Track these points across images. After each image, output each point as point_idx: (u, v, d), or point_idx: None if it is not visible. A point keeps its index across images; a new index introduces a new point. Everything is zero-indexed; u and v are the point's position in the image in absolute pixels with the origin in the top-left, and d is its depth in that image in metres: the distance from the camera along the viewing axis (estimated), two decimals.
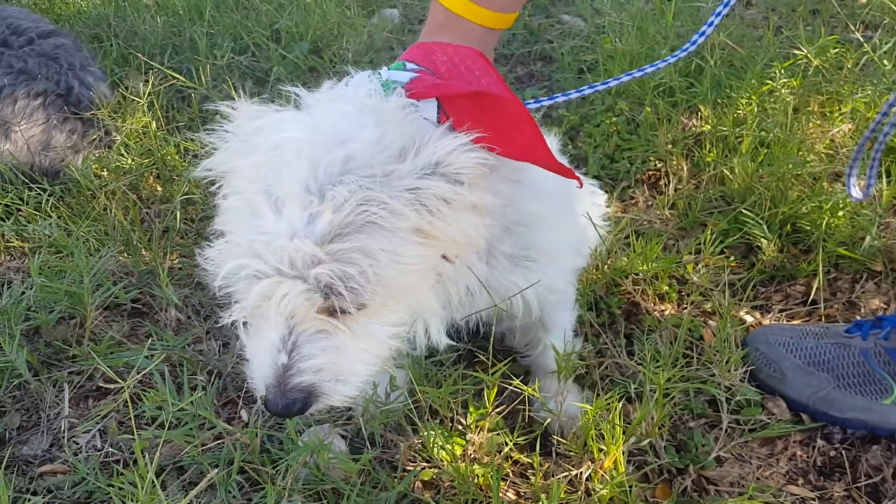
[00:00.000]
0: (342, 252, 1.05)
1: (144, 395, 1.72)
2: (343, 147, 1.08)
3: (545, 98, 1.60)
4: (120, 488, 1.54)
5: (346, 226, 1.05)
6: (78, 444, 1.79)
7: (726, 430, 1.70)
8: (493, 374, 1.54)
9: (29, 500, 1.58)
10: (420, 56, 1.33)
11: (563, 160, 2.36)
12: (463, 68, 1.30)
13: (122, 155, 2.57)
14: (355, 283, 1.06)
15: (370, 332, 1.16)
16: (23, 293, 2.08)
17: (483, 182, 1.15)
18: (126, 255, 2.24)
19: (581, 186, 1.51)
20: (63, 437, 1.80)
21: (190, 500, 1.36)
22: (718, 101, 2.63)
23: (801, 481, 1.63)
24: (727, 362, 1.77)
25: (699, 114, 2.64)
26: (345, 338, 1.14)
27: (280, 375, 1.12)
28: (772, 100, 2.54)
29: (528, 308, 1.50)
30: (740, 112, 2.53)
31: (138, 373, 1.73)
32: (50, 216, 2.35)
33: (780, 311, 2.03)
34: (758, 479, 1.62)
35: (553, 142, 1.92)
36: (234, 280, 1.11)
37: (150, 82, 2.61)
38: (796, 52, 2.63)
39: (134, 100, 2.67)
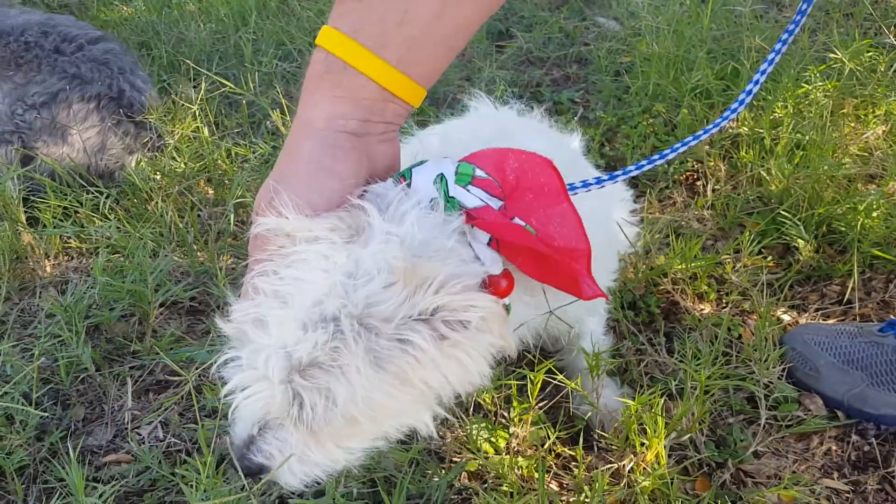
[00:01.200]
0: (312, 380, 1.07)
1: (205, 388, 1.81)
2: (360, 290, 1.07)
3: (606, 176, 1.39)
4: (183, 476, 1.64)
5: (317, 364, 1.07)
6: (140, 434, 1.88)
7: (764, 426, 1.75)
8: (537, 370, 1.61)
9: (97, 487, 1.67)
10: (493, 161, 1.20)
11: (599, 162, 2.41)
12: (530, 175, 1.19)
13: (174, 159, 2.67)
14: (318, 411, 1.09)
15: (329, 443, 1.18)
16: (85, 292, 2.18)
17: (498, 326, 1.12)
18: (182, 255, 2.34)
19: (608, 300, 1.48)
20: (126, 429, 1.90)
21: (248, 483, 1.44)
22: (755, 103, 2.66)
23: (835, 475, 1.68)
24: (765, 360, 1.82)
25: (736, 116, 2.68)
26: (305, 444, 1.16)
27: (243, 445, 1.18)
28: (807, 102, 2.57)
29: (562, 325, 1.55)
30: (776, 114, 2.57)
31: (200, 367, 1.83)
32: (108, 218, 2.45)
33: (816, 310, 2.08)
34: (794, 472, 1.67)
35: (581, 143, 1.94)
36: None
37: (202, 88, 2.70)
38: (831, 55, 2.67)
39: (184, 105, 2.77)
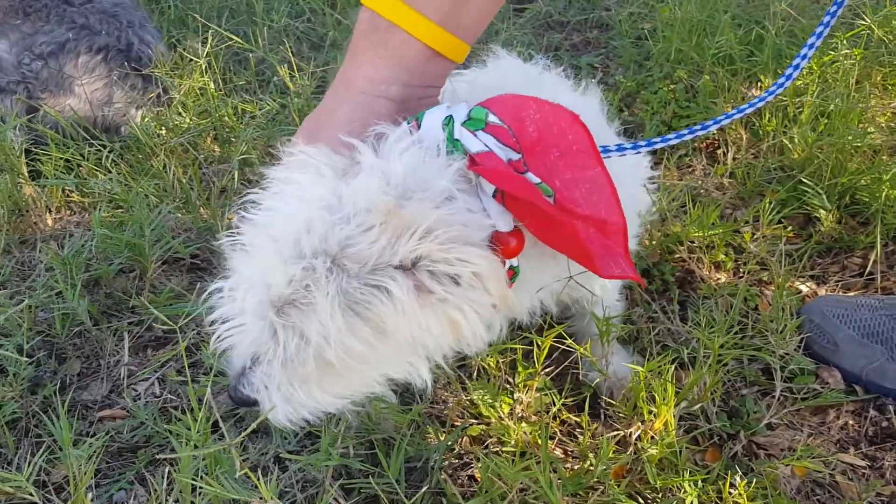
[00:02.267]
0: (286, 318, 1.04)
1: (203, 345, 1.76)
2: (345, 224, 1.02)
3: (629, 145, 1.27)
4: (178, 435, 1.59)
5: (292, 301, 1.03)
6: (137, 391, 1.84)
7: (779, 398, 1.68)
8: (545, 335, 1.55)
9: (89, 441, 1.63)
10: (511, 109, 1.09)
11: (617, 128, 2.34)
12: (556, 129, 1.08)
13: (179, 114, 2.61)
14: (291, 350, 1.05)
15: (314, 385, 1.13)
16: (83, 245, 2.14)
17: (494, 285, 1.06)
18: (185, 211, 2.28)
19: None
20: (122, 384, 1.85)
21: (244, 441, 1.39)
22: (779, 70, 2.58)
23: (851, 450, 1.61)
24: (782, 331, 1.75)
25: (759, 83, 2.60)
26: (288, 384, 1.13)
27: (237, 376, 1.16)
28: (833, 70, 2.48)
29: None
30: (800, 82, 2.48)
31: (197, 323, 1.78)
32: (110, 172, 2.40)
33: (837, 282, 2.00)
34: (808, 445, 1.61)
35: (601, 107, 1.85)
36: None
37: (209, 43, 2.64)
38: (860, 22, 2.57)
39: (192, 60, 2.71)
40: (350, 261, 1.01)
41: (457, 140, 1.07)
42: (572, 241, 1.09)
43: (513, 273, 1.14)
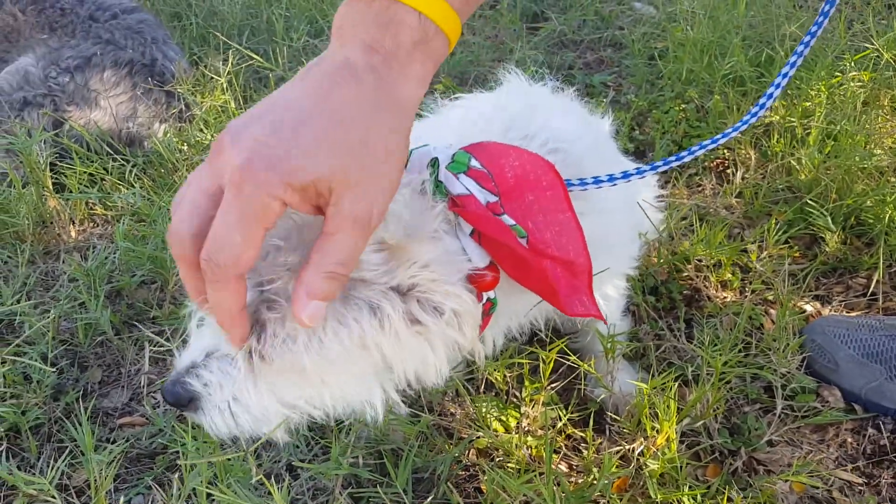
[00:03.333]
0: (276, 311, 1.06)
1: None
2: None
3: (634, 171, 1.31)
4: (183, 442, 1.64)
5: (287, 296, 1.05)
6: (156, 399, 1.90)
7: (780, 416, 1.72)
8: (550, 350, 1.59)
9: (109, 447, 1.69)
10: (492, 156, 1.16)
11: (628, 146, 2.37)
12: (532, 177, 1.16)
13: (201, 130, 2.68)
14: (276, 343, 1.08)
15: (270, 387, 1.15)
16: (106, 257, 2.21)
17: (469, 326, 1.12)
18: None
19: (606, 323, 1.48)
20: (142, 392, 1.91)
21: (257, 449, 1.44)
22: (788, 91, 2.61)
23: (850, 467, 1.65)
24: (784, 350, 1.79)
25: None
26: (247, 379, 1.14)
27: (184, 370, 1.17)
28: (841, 92, 2.52)
29: None
30: (809, 103, 2.52)
31: None
32: (133, 186, 2.47)
33: (840, 302, 2.04)
34: (806, 461, 1.64)
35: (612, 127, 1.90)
36: None
37: (230, 62, 2.71)
38: (867, 45, 2.61)
39: (213, 77, 2.78)
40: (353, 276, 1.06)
41: (440, 182, 1.14)
42: (541, 281, 1.17)
43: (490, 305, 1.21)
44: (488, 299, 1.19)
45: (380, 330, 1.07)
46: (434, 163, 1.15)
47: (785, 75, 1.29)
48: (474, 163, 1.14)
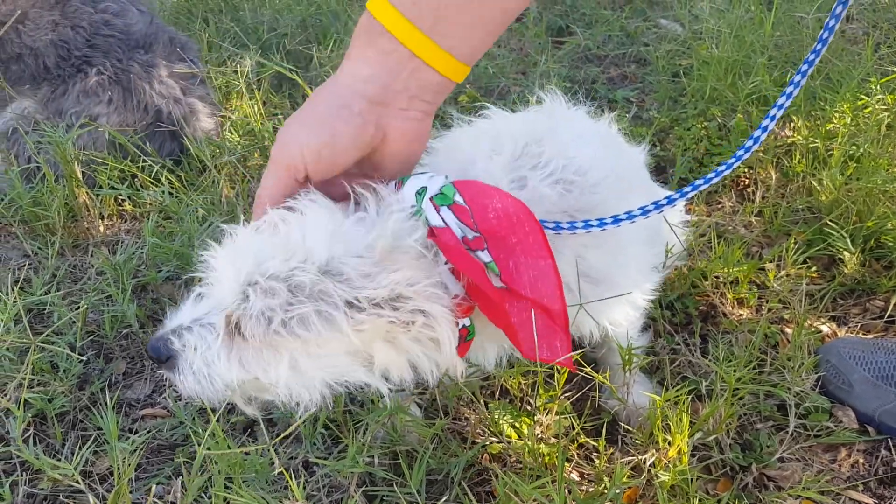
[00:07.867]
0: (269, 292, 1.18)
1: None
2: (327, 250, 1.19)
3: (639, 212, 1.36)
4: (213, 434, 1.68)
5: (276, 278, 1.19)
6: (177, 391, 1.93)
7: (792, 434, 1.73)
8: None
9: (131, 437, 1.73)
10: (475, 193, 1.24)
11: (649, 161, 2.38)
12: (514, 219, 1.23)
13: (230, 132, 2.73)
14: (260, 321, 1.19)
15: (234, 365, 1.27)
16: (134, 252, 2.25)
17: (446, 325, 1.21)
18: (231, 223, 2.39)
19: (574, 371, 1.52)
20: (164, 385, 1.96)
21: (275, 445, 1.48)
22: (812, 112, 2.63)
23: (861, 488, 1.66)
24: (799, 368, 1.80)
25: (792, 124, 2.65)
26: (221, 348, 1.26)
27: (169, 330, 1.30)
28: (865, 115, 2.53)
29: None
30: (833, 125, 2.53)
31: None
32: (162, 184, 2.52)
33: (857, 323, 2.05)
34: (817, 479, 1.66)
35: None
36: None
37: (248, 62, 2.76)
38: (894, 69, 2.61)
39: (238, 84, 2.83)
40: (336, 272, 1.18)
41: (421, 209, 1.22)
42: (503, 320, 1.25)
43: (467, 332, 1.29)
44: (464, 326, 1.27)
45: (353, 326, 1.18)
46: (422, 191, 1.22)
47: (787, 96, 1.39)
48: (458, 198, 1.22)
